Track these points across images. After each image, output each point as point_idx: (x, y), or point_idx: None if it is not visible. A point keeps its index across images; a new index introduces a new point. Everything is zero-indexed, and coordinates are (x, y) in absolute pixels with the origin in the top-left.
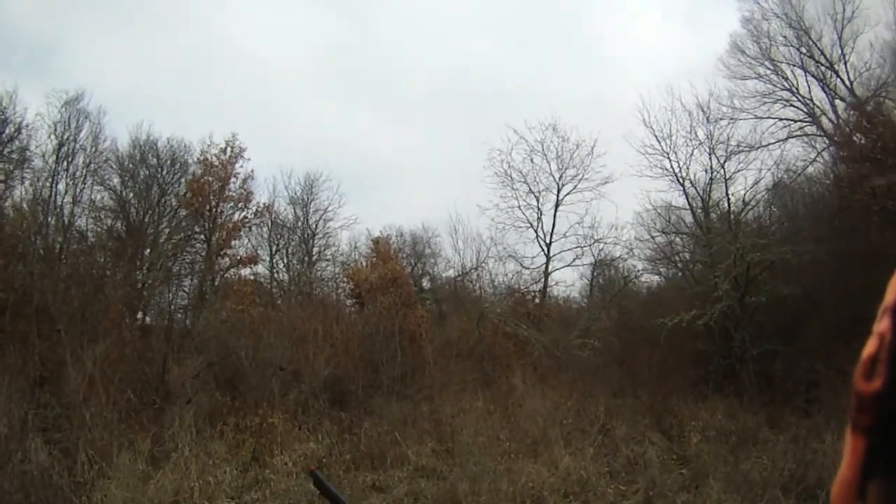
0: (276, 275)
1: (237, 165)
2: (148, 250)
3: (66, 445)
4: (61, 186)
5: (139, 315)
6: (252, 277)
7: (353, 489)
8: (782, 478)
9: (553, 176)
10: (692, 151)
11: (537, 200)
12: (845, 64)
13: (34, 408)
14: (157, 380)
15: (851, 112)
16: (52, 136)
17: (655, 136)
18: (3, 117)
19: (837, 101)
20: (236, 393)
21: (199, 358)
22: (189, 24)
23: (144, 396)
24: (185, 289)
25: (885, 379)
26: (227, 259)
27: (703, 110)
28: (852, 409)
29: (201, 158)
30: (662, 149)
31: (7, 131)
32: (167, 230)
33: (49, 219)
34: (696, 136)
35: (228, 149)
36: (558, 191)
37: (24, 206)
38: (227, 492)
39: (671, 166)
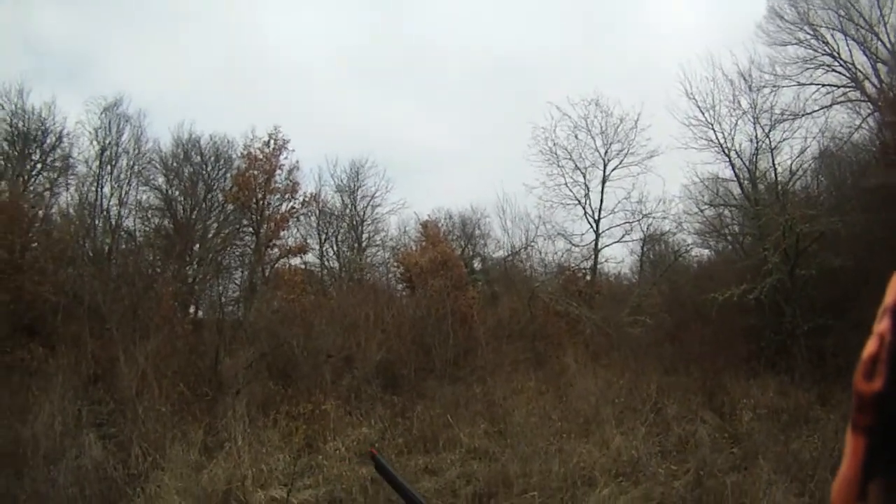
0: (326, 263)
1: (281, 157)
2: (197, 246)
3: (120, 439)
4: (106, 190)
5: (191, 309)
6: (303, 267)
7: (405, 472)
8: (832, 458)
9: (598, 151)
10: (736, 121)
11: (584, 177)
12: (885, 26)
13: (88, 404)
14: (210, 372)
15: (894, 76)
16: (94, 142)
17: (699, 107)
18: (43, 128)
19: (879, 65)
20: (289, 381)
21: (250, 349)
22: (224, 22)
23: (197, 388)
24: (236, 281)
25: (886, 379)
26: (276, 250)
27: (744, 79)
28: (853, 409)
29: (245, 153)
30: (706, 120)
31: (49, 141)
32: (215, 225)
33: (96, 222)
34: (740, 105)
35: (272, 142)
36: (604, 166)
37: (71, 211)
38: (279, 479)
39: (716, 137)
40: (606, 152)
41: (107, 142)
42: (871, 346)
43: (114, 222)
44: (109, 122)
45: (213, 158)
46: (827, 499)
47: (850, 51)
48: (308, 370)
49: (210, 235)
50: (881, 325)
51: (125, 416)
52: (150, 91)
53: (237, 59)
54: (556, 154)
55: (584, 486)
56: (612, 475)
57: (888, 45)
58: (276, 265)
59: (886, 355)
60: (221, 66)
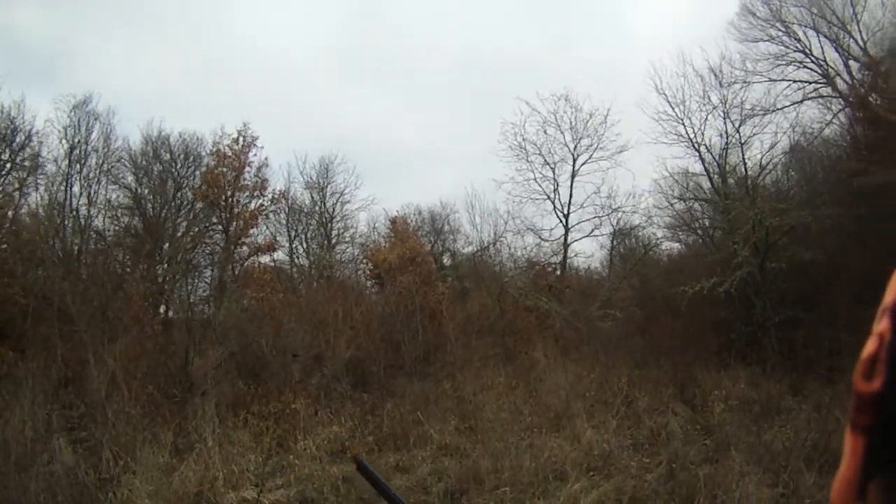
0: (295, 260)
1: (251, 154)
2: (166, 244)
3: (91, 443)
4: (76, 189)
5: (161, 309)
6: (272, 264)
7: (376, 470)
8: (805, 448)
9: (568, 146)
10: (706, 116)
11: (553, 172)
12: (857, 24)
13: (59, 408)
14: (180, 372)
15: (866, 72)
16: (63, 141)
17: (669, 103)
18: (12, 126)
19: (851, 62)
20: (259, 381)
21: (220, 348)
22: (195, 18)
23: (167, 390)
24: (206, 280)
25: (885, 379)
26: (245, 248)
27: (715, 74)
28: (852, 409)
29: (214, 150)
30: (676, 115)
31: (18, 140)
32: (184, 223)
33: (66, 222)
34: (710, 100)
35: (241, 138)
36: (574, 161)
37: (41, 211)
38: (250, 479)
39: (686, 132)
40: (576, 147)
41: (76, 140)
42: (870, 346)
43: (83, 222)
44: (79, 121)
45: (182, 156)
46: (800, 489)
47: (822, 48)
48: (277, 369)
49: (180, 234)
50: (880, 324)
51: (96, 419)
52: (119, 88)
53: (208, 56)
54: (525, 149)
55: (555, 480)
56: (584, 469)
57: (860, 42)
58: (246, 263)
59: (886, 355)
60: (192, 63)
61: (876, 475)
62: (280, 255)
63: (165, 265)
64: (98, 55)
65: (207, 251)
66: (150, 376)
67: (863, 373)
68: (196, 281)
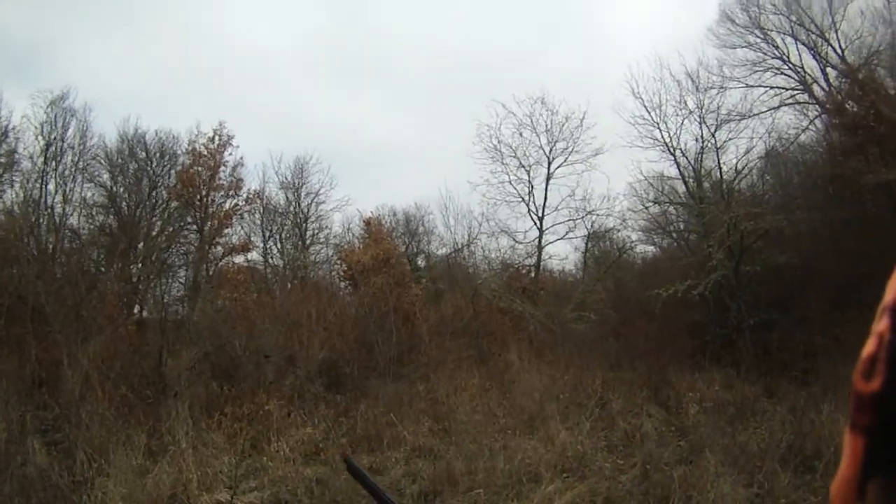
0: (270, 261)
1: (226, 153)
2: (141, 244)
3: (65, 445)
4: (51, 186)
5: (136, 310)
6: (246, 265)
7: (350, 473)
8: (780, 449)
9: (543, 149)
10: (682, 121)
11: (528, 174)
12: (836, 32)
13: (33, 410)
14: (154, 373)
15: (843, 80)
16: (40, 137)
17: (645, 107)
18: None
19: (829, 70)
20: (233, 382)
21: (194, 349)
22: (174, 14)
23: (141, 391)
24: (181, 280)
25: (885, 379)
26: (220, 248)
27: (692, 79)
28: (851, 409)
29: (189, 149)
30: (652, 119)
31: None
32: (159, 223)
33: (41, 220)
34: (686, 105)
35: (216, 137)
36: (549, 164)
37: (16, 208)
38: (224, 481)
39: (661, 136)
40: (551, 150)
41: (52, 137)
42: (869, 346)
43: (58, 220)
44: (56, 117)
45: (158, 154)
46: (775, 489)
47: (799, 55)
48: (251, 370)
49: (154, 233)
50: (880, 324)
51: (70, 421)
52: (96, 84)
53: (185, 52)
54: (500, 151)
55: (529, 482)
56: (558, 471)
57: (839, 50)
58: (220, 264)
59: (885, 355)
60: (169, 59)
61: (876, 475)
62: (254, 255)
63: (140, 265)
64: (76, 50)
65: (182, 251)
66: (123, 377)
67: (862, 373)
68: (170, 281)
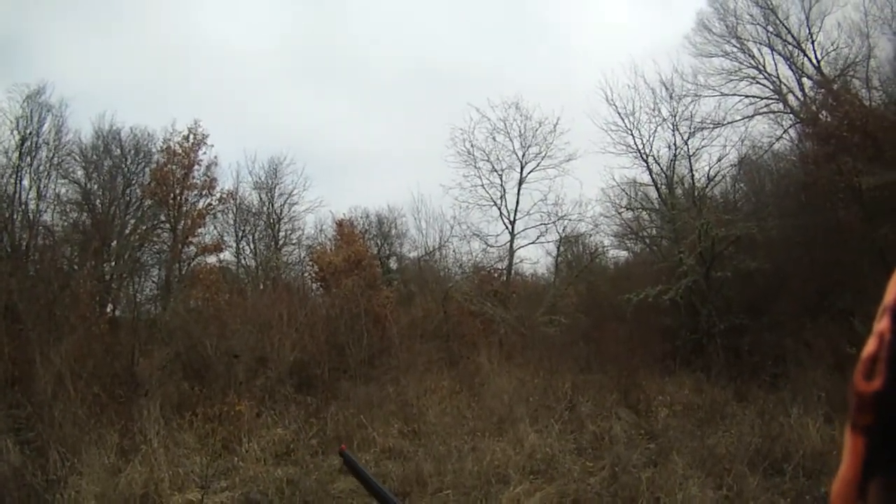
0: (242, 261)
1: (200, 152)
2: (114, 242)
3: (38, 444)
4: (26, 182)
5: (109, 308)
6: (219, 265)
7: (320, 473)
8: (748, 452)
9: (516, 154)
10: (655, 128)
11: (501, 178)
12: (812, 43)
13: (5, 408)
14: (126, 373)
15: (818, 90)
16: (15, 132)
17: (618, 113)
18: None
19: (804, 80)
20: (204, 382)
21: (165, 349)
22: (152, 11)
23: (113, 390)
24: (154, 279)
25: (885, 378)
26: (192, 247)
27: (666, 87)
28: (852, 409)
29: (164, 147)
30: (625, 125)
31: None
32: (133, 221)
33: (14, 216)
34: (660, 112)
35: (191, 136)
36: (521, 168)
37: None
38: (196, 481)
39: (634, 143)
40: (524, 155)
41: (27, 132)
42: (870, 346)
43: (32, 217)
44: (31, 112)
45: (132, 152)
46: (744, 492)
47: (775, 65)
48: (222, 370)
49: (128, 232)
50: (881, 324)
51: (43, 420)
52: (73, 79)
53: (162, 50)
54: (473, 155)
55: (498, 483)
56: (527, 473)
57: (814, 61)
58: (193, 263)
59: (886, 354)
60: (147, 56)
61: (876, 475)
62: (227, 255)
63: (113, 263)
64: (53, 46)
65: (155, 250)
66: (96, 376)
67: (863, 372)
68: (143, 280)
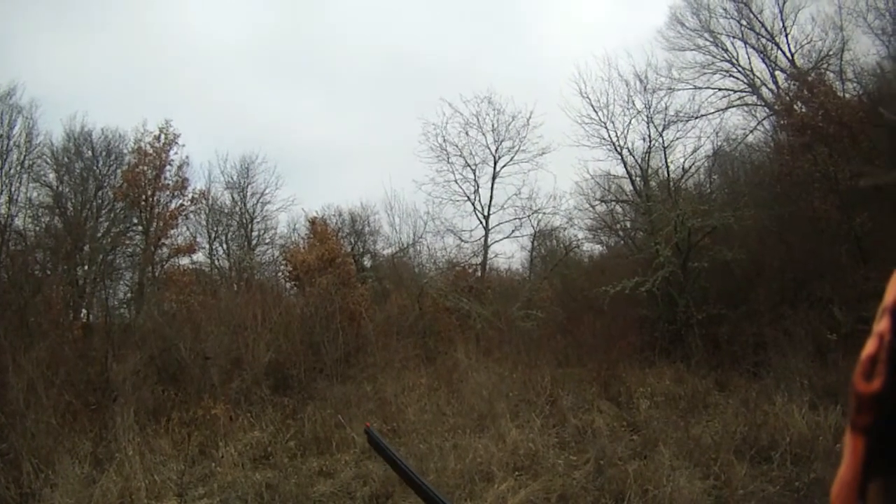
0: (216, 262)
1: (171, 152)
2: (87, 246)
3: (11, 456)
4: None
5: (83, 313)
6: (193, 266)
7: (299, 476)
8: (734, 441)
9: (489, 148)
10: (630, 121)
11: (474, 173)
12: (786, 37)
13: None
14: (100, 379)
15: (792, 82)
16: None
17: (592, 106)
18: None
19: (778, 73)
20: (179, 386)
21: (139, 353)
22: (120, 6)
23: (87, 397)
24: (127, 283)
25: (885, 379)
26: (165, 249)
27: (640, 80)
28: (851, 410)
29: (136, 147)
30: (599, 118)
31: None
32: (105, 224)
33: None
34: (634, 105)
35: (162, 136)
36: (495, 163)
37: None
38: (173, 489)
39: (609, 136)
40: (497, 149)
41: None
42: (870, 346)
43: (3, 221)
44: (1, 114)
45: (104, 153)
46: (732, 480)
47: (748, 58)
48: (197, 374)
49: (100, 235)
50: (880, 324)
51: (15, 430)
52: (43, 81)
53: (133, 48)
54: (446, 151)
55: (482, 481)
56: (510, 469)
57: (788, 54)
58: (166, 265)
59: (886, 355)
60: (116, 54)
61: (877, 476)
62: (200, 256)
63: (86, 267)
64: (23, 47)
65: (128, 253)
66: (69, 383)
67: (862, 373)
68: (116, 283)
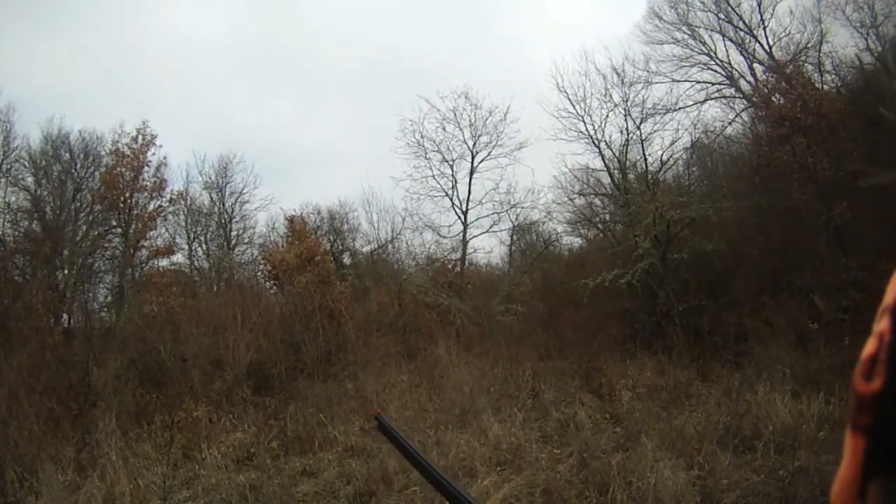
0: (195, 263)
1: (149, 153)
2: (66, 250)
3: None
4: None
5: (64, 318)
6: (172, 267)
7: (282, 477)
8: (717, 431)
9: (466, 143)
10: (607, 114)
11: (452, 169)
12: (764, 29)
13: None
14: (81, 384)
15: (771, 74)
16: None
17: (570, 100)
18: None
19: (756, 65)
20: (161, 389)
21: (120, 357)
22: (95, 7)
23: (68, 403)
24: (107, 286)
25: (885, 379)
26: (144, 251)
27: (617, 73)
28: (851, 410)
29: (113, 149)
30: (577, 112)
31: None
32: (84, 227)
33: None
34: (611, 98)
35: (140, 137)
36: (472, 158)
37: None
38: (157, 493)
39: (586, 129)
40: (475, 144)
41: None
42: (870, 346)
43: None
44: None
45: (82, 156)
46: (717, 470)
47: (727, 51)
48: (178, 376)
49: (79, 238)
50: (880, 324)
51: None
52: (19, 84)
53: (109, 49)
54: (423, 146)
55: (465, 477)
56: (493, 464)
57: (766, 47)
58: (146, 267)
59: (886, 355)
60: (92, 55)
61: (877, 476)
62: (180, 258)
63: (66, 271)
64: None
65: (108, 255)
66: (51, 389)
67: (862, 373)
68: (96, 287)
